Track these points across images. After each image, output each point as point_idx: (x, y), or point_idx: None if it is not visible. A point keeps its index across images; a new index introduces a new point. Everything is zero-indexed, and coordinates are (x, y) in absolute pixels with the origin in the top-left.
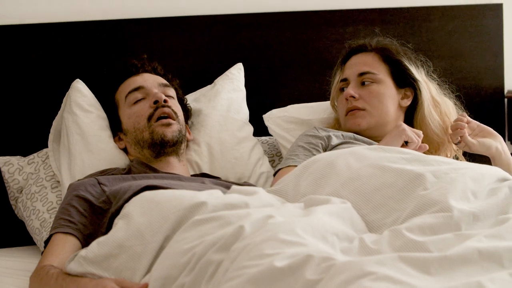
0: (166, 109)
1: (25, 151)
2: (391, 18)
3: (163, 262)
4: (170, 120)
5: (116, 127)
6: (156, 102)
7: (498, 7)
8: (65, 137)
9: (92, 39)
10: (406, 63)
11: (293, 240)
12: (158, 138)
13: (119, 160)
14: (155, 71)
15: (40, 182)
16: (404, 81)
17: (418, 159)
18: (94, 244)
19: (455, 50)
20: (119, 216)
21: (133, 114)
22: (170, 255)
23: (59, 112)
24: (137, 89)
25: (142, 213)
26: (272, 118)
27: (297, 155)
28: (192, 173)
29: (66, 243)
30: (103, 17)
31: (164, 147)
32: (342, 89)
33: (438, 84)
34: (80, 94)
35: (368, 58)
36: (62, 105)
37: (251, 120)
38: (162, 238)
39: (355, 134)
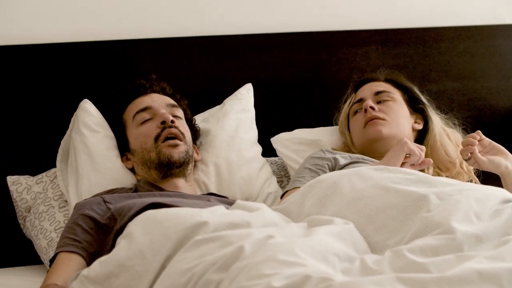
0: (173, 130)
1: (34, 171)
2: (402, 38)
3: (164, 282)
4: (177, 141)
5: (123, 147)
6: (163, 122)
7: (510, 28)
8: (72, 157)
9: (101, 59)
10: (417, 91)
11: (292, 261)
12: (165, 159)
13: (126, 179)
14: (163, 92)
15: (48, 202)
16: (415, 107)
17: (422, 180)
18: (96, 264)
19: (466, 70)
20: (121, 236)
21: (140, 134)
22: (170, 275)
23: (67, 132)
24: (144, 109)
25: (144, 233)
26: (280, 140)
27: (304, 177)
28: (200, 193)
29: (70, 262)
30: (112, 38)
31: (170, 168)
32: (356, 112)
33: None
34: (88, 114)
35: (381, 84)
36: (70, 125)
37: (261, 141)
38: (164, 257)
39: (363, 156)
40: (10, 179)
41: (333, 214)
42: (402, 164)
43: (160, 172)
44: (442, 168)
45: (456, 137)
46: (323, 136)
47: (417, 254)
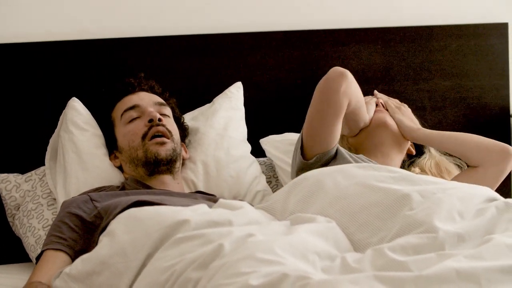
0: (161, 128)
1: (23, 169)
2: (394, 37)
3: (144, 280)
4: (164, 139)
5: (112, 145)
6: (150, 120)
7: (504, 26)
8: (61, 155)
9: (90, 58)
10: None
11: (270, 259)
12: (152, 156)
13: (114, 178)
14: (151, 90)
15: (37, 200)
16: None
17: (406, 178)
18: (78, 261)
19: (459, 69)
20: (104, 233)
21: (128, 133)
22: (150, 272)
23: (56, 130)
24: (132, 107)
25: (125, 231)
26: (270, 141)
27: None
28: (188, 191)
29: (56, 260)
30: (101, 36)
31: (157, 166)
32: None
33: None
34: (76, 112)
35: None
36: (59, 123)
37: (251, 140)
38: (144, 256)
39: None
40: None
41: (317, 212)
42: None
43: (147, 170)
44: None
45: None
46: None
47: (398, 253)
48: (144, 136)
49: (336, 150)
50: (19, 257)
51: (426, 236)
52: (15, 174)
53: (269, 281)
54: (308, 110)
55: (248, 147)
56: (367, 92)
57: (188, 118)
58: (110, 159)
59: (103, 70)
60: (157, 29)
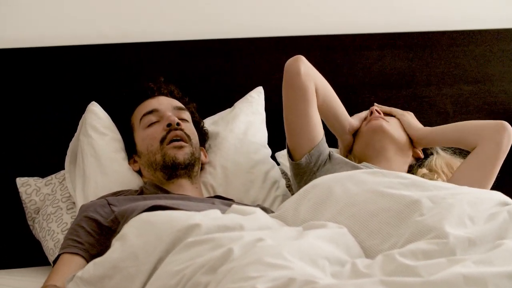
0: (179, 132)
1: (44, 173)
2: (417, 42)
3: (154, 283)
4: (182, 143)
5: (131, 150)
6: (169, 125)
7: None
8: (80, 159)
9: (113, 62)
10: None
11: (278, 263)
12: (170, 160)
13: (132, 182)
14: (171, 94)
15: (56, 203)
16: None
17: (416, 184)
18: (90, 265)
19: (483, 74)
20: (116, 237)
21: (146, 137)
22: (161, 276)
23: (76, 134)
24: (151, 112)
25: (137, 235)
26: (284, 155)
27: None
28: (207, 195)
29: (71, 263)
30: (123, 40)
31: (176, 170)
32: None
33: None
34: (96, 116)
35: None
36: (79, 127)
37: (272, 144)
38: (156, 259)
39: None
40: (19, 180)
41: (328, 220)
42: None
43: (165, 174)
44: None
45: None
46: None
47: (409, 258)
48: (162, 140)
49: (329, 153)
50: (39, 260)
51: (436, 242)
52: (36, 178)
53: (276, 286)
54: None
55: (268, 151)
56: (389, 97)
57: (209, 122)
58: (129, 163)
59: (124, 74)
60: (178, 34)
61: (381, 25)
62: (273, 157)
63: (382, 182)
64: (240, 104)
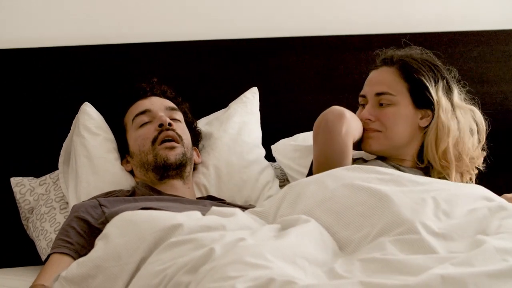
0: (170, 132)
1: (39, 173)
2: (414, 43)
3: (137, 283)
4: (174, 144)
5: (123, 150)
6: (161, 125)
7: None
8: (73, 159)
9: (107, 63)
10: (427, 83)
11: (258, 263)
12: (161, 161)
13: (124, 182)
14: (164, 95)
15: (50, 203)
16: (423, 101)
17: (393, 180)
18: (74, 265)
19: (481, 75)
20: (99, 237)
21: (139, 137)
22: (143, 276)
23: (69, 135)
24: (143, 112)
25: (119, 234)
26: (279, 148)
27: None
28: (200, 195)
29: (61, 263)
30: (117, 41)
31: (167, 170)
32: (362, 105)
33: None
34: (88, 117)
35: (387, 75)
36: (72, 127)
37: (266, 145)
38: (139, 259)
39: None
40: (13, 180)
41: (303, 212)
42: None
43: (157, 174)
44: (436, 166)
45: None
46: None
47: (389, 256)
48: (154, 141)
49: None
50: (33, 260)
51: (410, 238)
52: (30, 177)
53: (255, 286)
54: (314, 150)
55: (262, 151)
56: None
57: (203, 123)
58: (122, 163)
59: (119, 75)
60: (173, 35)
61: (377, 26)
62: (268, 155)
63: (359, 177)
64: (234, 105)
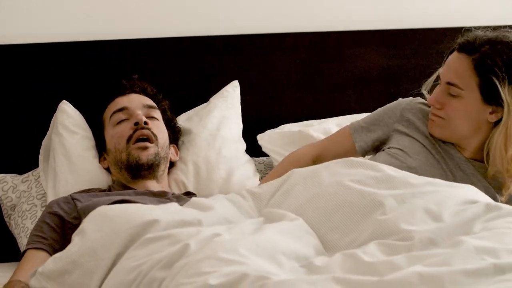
0: (145, 131)
1: (23, 170)
2: (402, 39)
3: (113, 279)
4: (147, 144)
5: (101, 147)
6: (136, 123)
7: None
8: (52, 158)
9: (87, 60)
10: (498, 83)
11: (232, 259)
12: (133, 160)
13: (102, 180)
14: (143, 92)
15: (31, 201)
16: (493, 97)
17: (387, 180)
18: (50, 260)
19: None
20: (76, 232)
21: (115, 134)
22: (119, 272)
23: (48, 133)
24: (121, 109)
25: (95, 229)
26: (266, 138)
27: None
28: (178, 192)
29: (36, 259)
30: (97, 38)
31: (139, 170)
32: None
33: None
34: (66, 115)
35: (460, 66)
36: (51, 125)
37: (250, 140)
38: (114, 254)
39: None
40: None
41: (294, 208)
42: None
43: (130, 173)
44: (502, 169)
45: None
46: (311, 126)
47: (369, 256)
48: (129, 139)
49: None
50: (16, 256)
51: (397, 243)
52: (13, 174)
53: (228, 281)
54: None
55: (242, 146)
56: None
57: (184, 118)
58: (100, 160)
59: (99, 72)
60: (153, 31)
61: (367, 22)
62: (255, 144)
63: (353, 174)
64: (215, 99)
